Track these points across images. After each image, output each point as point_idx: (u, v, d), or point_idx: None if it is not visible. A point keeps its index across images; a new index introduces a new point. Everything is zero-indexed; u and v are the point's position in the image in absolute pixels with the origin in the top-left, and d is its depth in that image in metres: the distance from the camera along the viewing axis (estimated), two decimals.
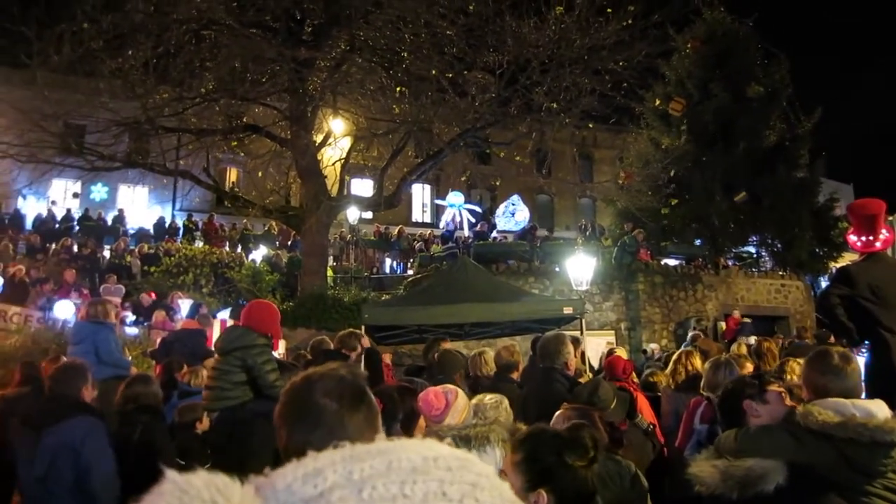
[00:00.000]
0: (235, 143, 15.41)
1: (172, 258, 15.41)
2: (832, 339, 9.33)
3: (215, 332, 8.90)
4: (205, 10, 11.43)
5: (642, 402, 5.35)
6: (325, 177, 14.42)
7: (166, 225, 22.36)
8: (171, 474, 0.65)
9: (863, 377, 4.05)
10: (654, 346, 14.09)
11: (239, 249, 19.69)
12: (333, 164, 15.52)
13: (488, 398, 3.10)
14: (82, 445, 3.36)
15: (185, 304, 12.03)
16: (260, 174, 17.33)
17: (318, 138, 14.45)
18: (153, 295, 12.91)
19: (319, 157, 14.60)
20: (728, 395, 2.77)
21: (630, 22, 12.46)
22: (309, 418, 1.35)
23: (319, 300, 13.29)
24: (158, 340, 8.65)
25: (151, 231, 21.57)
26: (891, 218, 22.86)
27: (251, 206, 15.00)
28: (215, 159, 20.80)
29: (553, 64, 12.90)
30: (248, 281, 15.16)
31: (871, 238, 4.38)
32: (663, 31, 13.12)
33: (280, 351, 9.48)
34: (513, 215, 26.87)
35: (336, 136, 15.02)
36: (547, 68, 12.98)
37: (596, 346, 12.92)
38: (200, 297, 13.47)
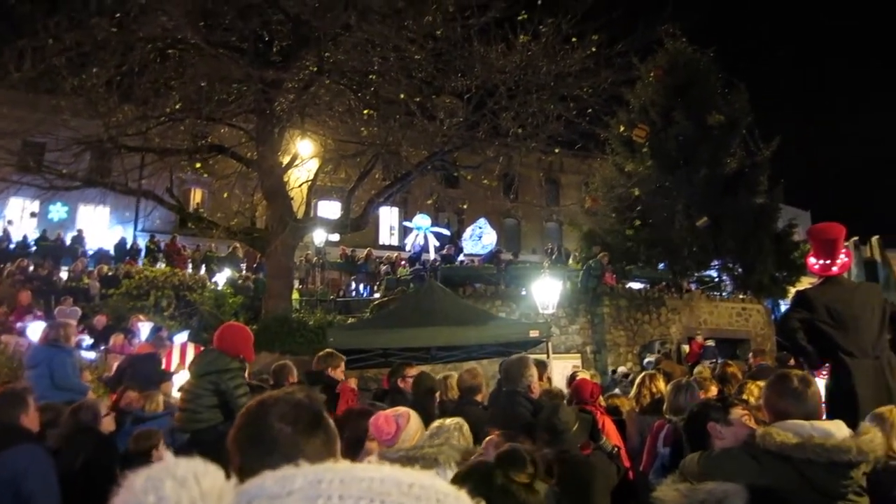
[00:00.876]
0: (200, 163, 15.21)
1: (133, 280, 15.07)
2: (792, 361, 9.50)
3: (174, 356, 8.70)
4: (171, 29, 11.34)
5: (608, 425, 5.35)
6: (292, 198, 14.31)
7: (127, 246, 21.91)
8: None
9: (822, 399, 4.13)
10: (622, 368, 14.19)
11: (202, 271, 19.36)
12: (300, 186, 15.42)
13: (448, 421, 3.07)
14: (24, 475, 3.21)
15: (145, 328, 11.73)
16: (225, 195, 17.14)
17: (285, 159, 14.36)
18: (106, 317, 12.57)
19: (286, 179, 14.50)
20: (693, 418, 2.77)
21: (595, 50, 12.70)
22: (263, 443, 1.30)
23: (284, 323, 13.10)
24: (115, 366, 8.41)
25: (112, 252, 21.11)
26: (847, 242, 23.48)
27: (215, 228, 14.79)
28: (179, 179, 20.55)
29: (520, 90, 13.07)
30: (211, 304, 14.89)
31: (828, 262, 4.47)
32: (627, 59, 13.36)
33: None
34: (479, 238, 26.96)
35: (303, 158, 14.95)
36: (514, 94, 13.15)
37: (562, 369, 12.94)
38: (161, 321, 13.17)
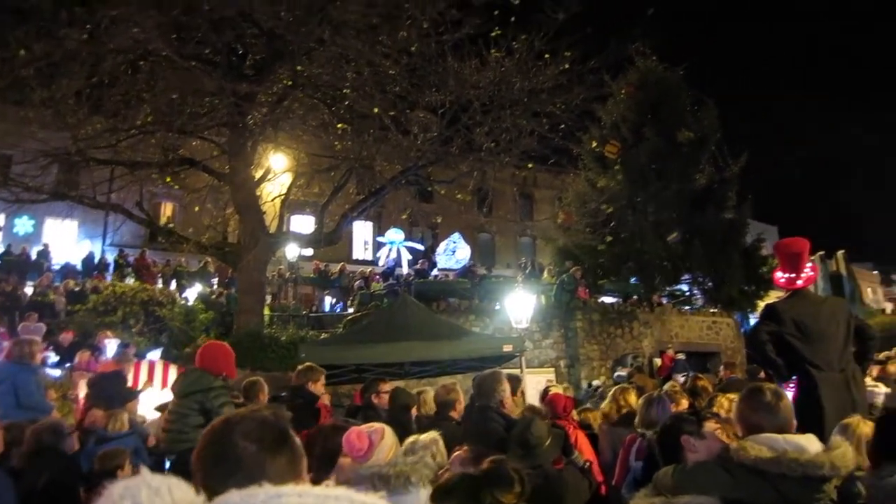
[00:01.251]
0: (171, 177, 15.02)
1: (100, 295, 14.77)
2: (762, 374, 9.62)
3: (142, 373, 8.53)
4: (142, 41, 11.21)
5: (581, 440, 5.36)
6: (264, 213, 14.19)
7: (95, 260, 21.49)
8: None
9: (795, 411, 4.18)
10: (596, 382, 14.23)
11: (172, 287, 19.05)
12: (273, 200, 15.31)
13: (423, 437, 3.04)
14: None
15: (111, 344, 11.49)
16: (197, 209, 16.91)
17: (258, 173, 14.25)
18: (72, 334, 12.30)
19: (258, 193, 14.38)
20: (666, 432, 2.77)
21: (567, 67, 12.84)
22: (227, 462, 1.28)
23: (255, 339, 12.93)
24: (82, 383, 8.20)
25: (79, 267, 20.69)
26: (813, 257, 23.98)
27: (186, 242, 14.58)
28: (149, 193, 20.24)
29: (494, 105, 13.15)
30: (181, 319, 14.63)
31: (794, 275, 4.55)
32: (599, 76, 13.55)
33: None
34: (453, 253, 26.97)
35: (276, 172, 14.85)
36: (488, 109, 13.23)
37: (536, 383, 12.94)
38: (129, 337, 12.91)
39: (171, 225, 20.74)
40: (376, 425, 2.90)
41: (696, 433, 2.59)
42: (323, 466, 2.90)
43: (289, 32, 11.38)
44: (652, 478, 2.54)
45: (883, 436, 2.35)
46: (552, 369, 15.99)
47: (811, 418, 3.97)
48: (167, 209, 26.80)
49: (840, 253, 26.11)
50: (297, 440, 1.37)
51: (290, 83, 12.67)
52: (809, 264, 4.74)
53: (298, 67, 12.30)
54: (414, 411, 5.65)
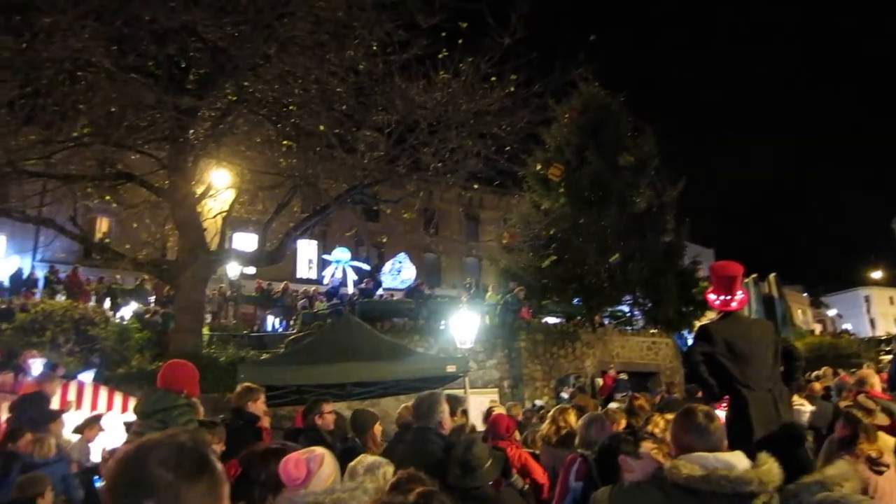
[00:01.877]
0: (107, 191, 14.55)
1: (28, 314, 14.12)
2: (700, 394, 9.86)
3: (70, 394, 8.18)
4: (80, 51, 10.86)
5: (530, 461, 5.35)
6: (205, 229, 13.86)
7: (24, 277, 20.57)
8: None
9: (726, 429, 4.30)
10: (540, 402, 14.33)
11: (106, 305, 18.37)
12: (214, 217, 14.98)
13: (367, 461, 2.98)
14: None
15: (37, 364, 10.96)
16: (134, 225, 16.44)
17: (199, 189, 13.93)
18: None
19: (199, 209, 14.05)
20: (604, 452, 2.79)
21: (513, 90, 13.03)
22: (139, 492, 1.19)
23: (192, 360, 12.41)
24: (5, 406, 7.79)
25: (7, 283, 19.77)
26: (747, 280, 24.82)
27: (122, 259, 14.11)
28: (84, 207, 19.56)
29: (440, 126, 13.23)
30: (115, 339, 14.10)
31: (728, 298, 4.70)
32: (544, 100, 13.79)
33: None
34: (399, 273, 26.88)
35: (218, 188, 14.55)
36: (435, 129, 13.29)
37: (479, 404, 12.94)
38: (59, 357, 12.35)
39: (106, 241, 20.03)
40: (317, 451, 2.80)
41: (633, 453, 2.60)
42: (270, 492, 2.81)
43: (234, 47, 11.23)
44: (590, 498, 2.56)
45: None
46: (496, 390, 16.03)
47: (741, 435, 4.10)
48: (103, 224, 25.95)
49: (772, 276, 27.13)
50: (219, 466, 1.30)
51: (234, 98, 12.48)
52: (741, 292, 4.89)
53: (243, 83, 12.14)
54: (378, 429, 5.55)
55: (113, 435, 7.14)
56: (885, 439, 4.71)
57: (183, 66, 12.42)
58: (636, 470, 2.57)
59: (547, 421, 5.08)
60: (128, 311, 17.24)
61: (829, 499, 1.97)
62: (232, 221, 15.56)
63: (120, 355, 13.57)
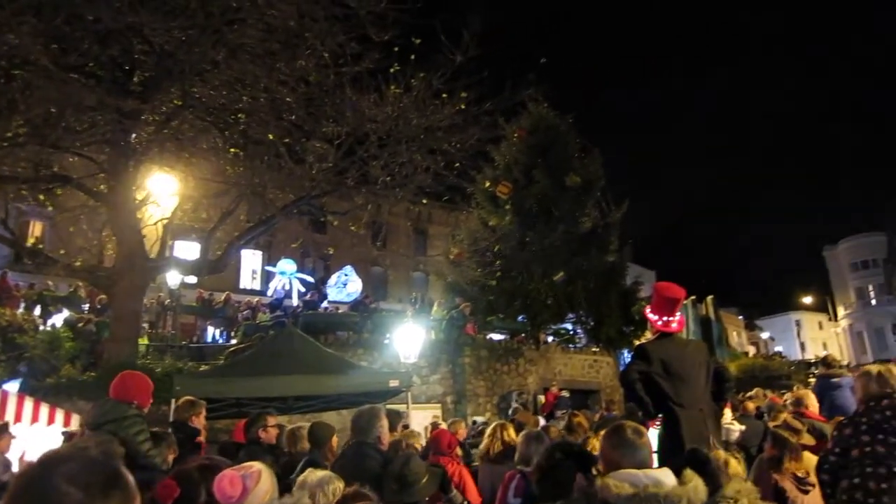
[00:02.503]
0: (43, 194, 13.98)
1: None
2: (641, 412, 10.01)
3: None
4: (17, 48, 10.46)
5: (466, 477, 5.36)
6: (145, 236, 13.45)
7: None
8: None
9: (655, 448, 4.40)
10: (480, 418, 14.34)
11: (37, 312, 17.58)
12: (155, 224, 14.57)
13: (315, 476, 2.92)
14: None
15: None
16: (70, 230, 15.84)
17: (140, 195, 13.53)
18: None
19: (140, 216, 13.63)
20: (544, 468, 2.74)
21: (464, 107, 13.14)
22: None
23: (126, 370, 12.11)
24: None
25: None
26: (685, 301, 25.52)
27: (55, 265, 13.54)
28: (17, 210, 18.77)
29: (390, 140, 13.23)
30: (44, 348, 13.49)
31: (669, 319, 4.81)
32: (494, 118, 13.95)
33: (73, 427, 8.48)
34: (345, 286, 26.63)
35: (160, 195, 14.15)
36: (384, 143, 13.28)
37: (422, 419, 12.89)
38: None
39: (39, 246, 19.20)
40: (254, 466, 2.73)
41: (589, 474, 2.58)
42: None
43: (181, 51, 11.00)
44: None
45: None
46: (439, 405, 16.00)
47: (672, 453, 4.19)
48: (36, 228, 24.93)
49: (709, 298, 27.96)
50: (131, 481, 1.23)
51: (179, 103, 12.20)
52: (679, 315, 5.02)
53: (190, 88, 11.88)
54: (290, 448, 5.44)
55: (36, 447, 6.83)
56: (810, 459, 4.89)
57: (127, 67, 12.09)
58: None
59: (486, 436, 5.09)
60: (59, 319, 16.54)
61: None
62: (174, 229, 15.16)
63: (49, 365, 12.99)
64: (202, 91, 12.44)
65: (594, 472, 2.58)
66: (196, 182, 14.32)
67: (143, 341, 16.38)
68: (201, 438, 5.55)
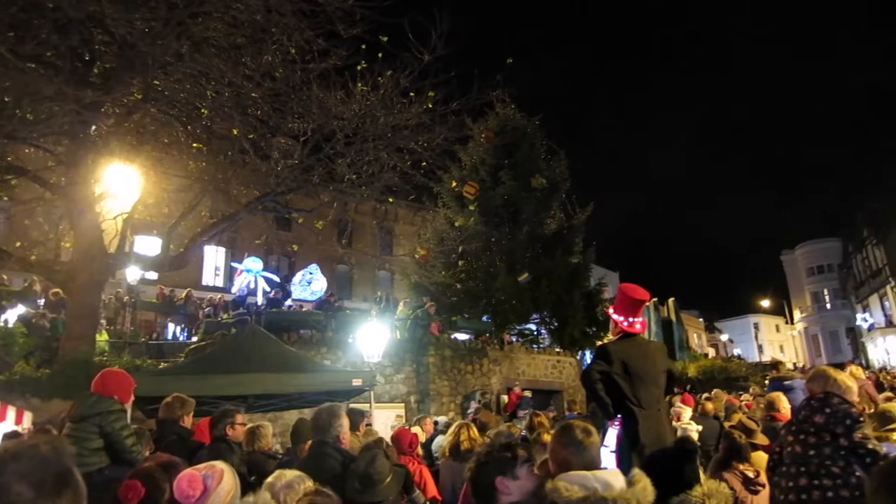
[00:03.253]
0: None
1: None
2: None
3: None
4: None
5: (426, 476, 5.37)
6: (103, 231, 13.14)
7: None
8: None
9: (615, 447, 4.46)
10: (443, 417, 14.35)
11: None
12: (115, 218, 14.24)
13: (288, 475, 2.88)
14: None
15: None
16: (26, 222, 15.40)
17: (99, 188, 13.22)
18: None
19: (99, 209, 13.31)
20: (479, 471, 2.56)
21: (431, 106, 13.15)
22: None
23: (83, 367, 11.80)
24: None
25: None
26: (648, 303, 25.89)
27: (9, 258, 13.15)
28: None
29: (357, 137, 13.16)
30: None
31: (633, 320, 4.89)
32: (461, 118, 13.99)
33: (25, 425, 8.28)
34: (309, 284, 26.45)
35: (119, 189, 13.83)
36: (351, 141, 13.21)
37: (386, 418, 12.87)
38: None
39: None
40: (216, 466, 2.69)
41: (511, 474, 2.46)
42: None
43: (143, 43, 10.76)
44: None
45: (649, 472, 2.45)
46: (402, 404, 15.97)
47: (632, 450, 4.27)
48: None
49: (671, 300, 28.44)
50: (80, 479, 1.21)
51: (141, 96, 11.95)
52: (641, 318, 5.10)
53: (152, 80, 11.65)
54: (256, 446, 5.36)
55: None
56: (762, 458, 5.00)
57: (87, 58, 11.80)
58: (514, 492, 2.45)
59: (449, 435, 5.10)
60: (13, 314, 16.07)
61: None
62: (134, 224, 14.84)
63: (2, 361, 12.62)
64: (165, 84, 12.19)
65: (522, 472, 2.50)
66: (158, 176, 14.04)
67: (102, 338, 16.03)
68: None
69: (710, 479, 2.33)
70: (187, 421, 5.16)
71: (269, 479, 2.83)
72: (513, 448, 2.49)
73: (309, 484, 2.83)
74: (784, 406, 6.93)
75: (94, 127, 12.00)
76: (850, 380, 4.04)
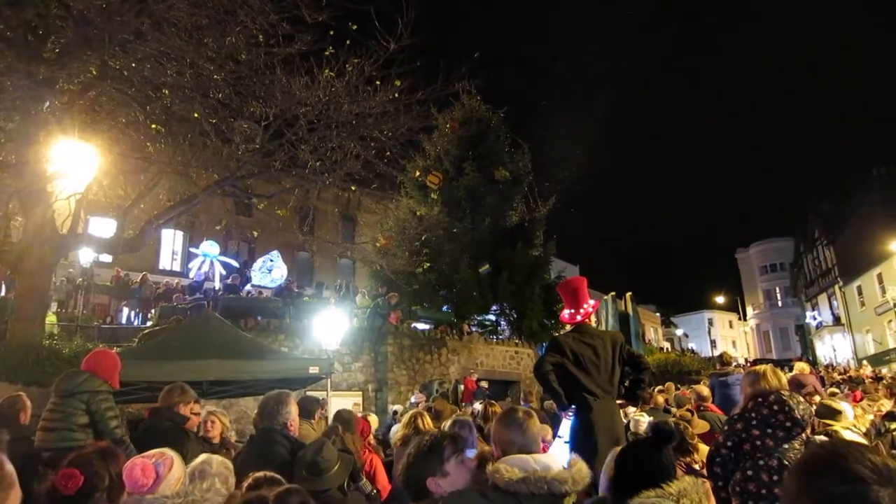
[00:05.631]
0: None
1: None
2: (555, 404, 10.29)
3: None
4: None
5: (378, 466, 5.40)
6: (55, 211, 12.79)
7: None
8: None
9: (570, 435, 4.55)
10: (399, 406, 14.40)
11: None
12: (68, 198, 13.85)
13: (215, 460, 2.89)
14: None
15: None
16: None
17: (51, 167, 12.84)
18: None
19: (51, 189, 12.94)
20: (409, 474, 2.52)
21: (396, 95, 13.10)
22: None
23: (31, 351, 11.53)
24: None
25: None
26: (606, 297, 26.36)
27: None
28: None
29: (321, 124, 13.05)
30: None
31: (574, 311, 5.00)
32: (426, 108, 13.96)
33: None
34: (270, 272, 26.15)
35: (73, 168, 13.46)
36: (314, 127, 13.10)
37: (343, 406, 12.85)
38: None
39: None
40: (166, 453, 2.67)
41: (440, 472, 2.44)
42: (112, 498, 2.65)
43: (101, 19, 10.49)
44: None
45: (619, 469, 2.51)
46: (360, 393, 15.97)
47: (586, 439, 4.37)
48: None
49: (628, 294, 28.90)
50: (9, 467, 1.20)
51: (97, 73, 11.64)
52: (592, 301, 5.20)
53: (109, 59, 11.34)
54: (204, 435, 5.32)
55: None
56: (703, 450, 5.17)
57: (41, 32, 11.43)
58: (446, 489, 2.42)
59: (403, 425, 5.14)
60: None
61: None
62: (88, 204, 14.44)
63: None
64: (124, 62, 11.88)
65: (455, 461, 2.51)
66: (114, 156, 13.66)
67: (53, 320, 15.65)
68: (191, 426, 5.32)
69: (686, 476, 2.37)
70: (183, 409, 5.07)
71: (195, 462, 2.85)
72: (438, 445, 2.49)
73: (228, 468, 2.86)
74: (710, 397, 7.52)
75: (47, 103, 11.64)
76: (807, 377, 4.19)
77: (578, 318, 4.94)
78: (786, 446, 3.73)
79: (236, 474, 2.87)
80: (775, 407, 3.79)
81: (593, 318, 5.37)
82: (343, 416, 5.46)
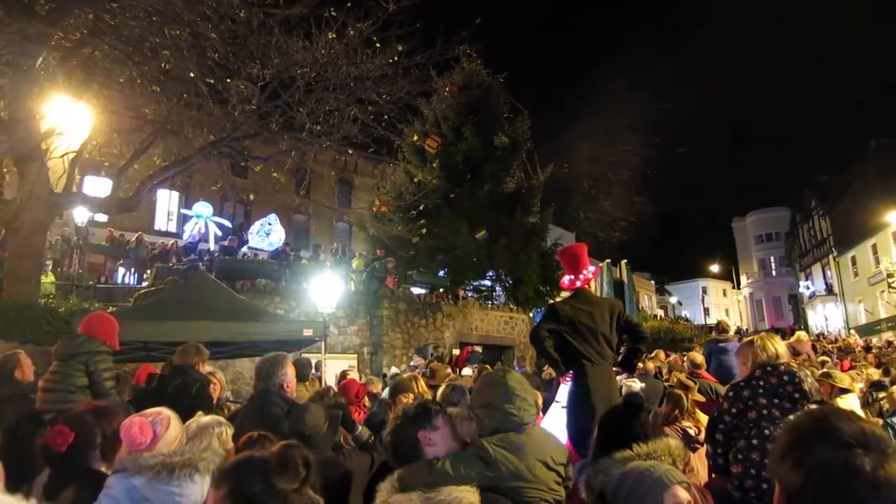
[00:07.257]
0: None
1: None
2: (547, 368, 10.38)
3: None
4: None
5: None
6: (49, 169, 12.69)
7: None
8: None
9: (568, 400, 4.61)
10: (395, 370, 14.53)
11: None
12: (62, 157, 13.74)
13: (205, 419, 2.92)
14: None
15: None
16: None
17: (45, 124, 12.70)
18: None
19: (45, 147, 12.82)
20: (399, 432, 2.53)
21: (396, 59, 12.94)
22: None
23: (26, 310, 11.57)
24: None
25: None
26: (601, 263, 26.39)
27: None
28: None
29: (318, 86, 12.91)
30: None
31: (573, 277, 5.01)
32: (425, 71, 13.81)
33: None
34: (267, 235, 26.15)
35: (67, 126, 13.32)
36: (311, 89, 12.95)
37: (338, 369, 12.95)
38: None
39: None
40: (163, 412, 2.70)
41: (430, 426, 2.49)
42: (107, 454, 2.69)
43: None
44: None
45: (602, 429, 2.70)
46: (355, 356, 16.11)
47: (583, 405, 4.42)
48: None
49: (623, 262, 29.00)
50: None
51: (87, 31, 11.43)
52: (592, 267, 5.21)
53: (104, 15, 11.13)
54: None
55: None
56: (702, 417, 5.23)
57: None
58: (437, 443, 2.46)
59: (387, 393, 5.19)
60: None
61: (640, 467, 2.03)
62: (83, 163, 14.35)
63: None
64: (119, 19, 11.67)
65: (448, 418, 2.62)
66: (109, 115, 13.53)
67: (50, 279, 15.67)
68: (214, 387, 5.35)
69: (668, 438, 2.45)
70: (202, 367, 5.12)
71: (193, 421, 2.88)
72: (425, 404, 2.60)
73: (229, 429, 2.90)
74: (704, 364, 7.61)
75: (40, 59, 11.46)
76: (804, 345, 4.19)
77: (578, 283, 4.95)
78: (791, 417, 3.73)
79: (233, 434, 2.91)
80: (785, 377, 3.75)
81: (593, 285, 5.40)
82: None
